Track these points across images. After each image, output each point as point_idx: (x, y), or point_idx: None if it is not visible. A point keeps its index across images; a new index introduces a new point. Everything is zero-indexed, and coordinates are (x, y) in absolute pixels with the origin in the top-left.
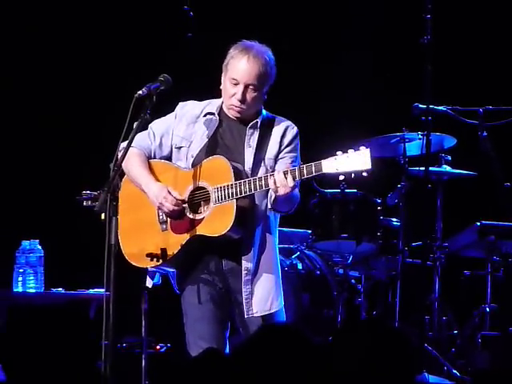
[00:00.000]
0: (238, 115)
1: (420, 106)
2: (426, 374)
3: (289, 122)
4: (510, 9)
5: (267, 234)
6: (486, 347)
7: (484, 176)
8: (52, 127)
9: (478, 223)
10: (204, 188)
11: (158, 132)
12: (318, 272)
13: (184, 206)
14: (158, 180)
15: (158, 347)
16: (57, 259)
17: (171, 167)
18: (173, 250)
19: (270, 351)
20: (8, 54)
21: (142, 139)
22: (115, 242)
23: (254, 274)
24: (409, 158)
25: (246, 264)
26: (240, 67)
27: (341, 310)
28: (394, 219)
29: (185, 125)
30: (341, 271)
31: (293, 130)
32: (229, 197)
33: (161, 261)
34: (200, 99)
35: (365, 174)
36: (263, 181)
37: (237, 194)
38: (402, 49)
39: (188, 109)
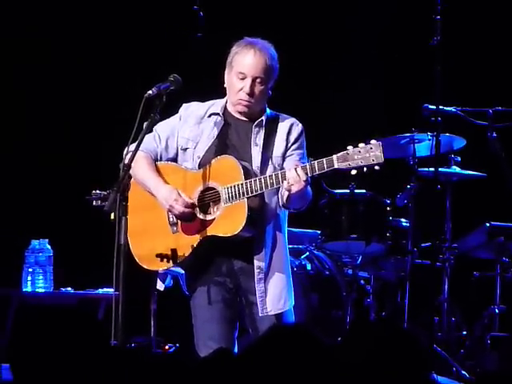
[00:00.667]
0: (246, 110)
1: (430, 106)
2: (435, 375)
3: (293, 119)
4: None
5: (278, 233)
6: (495, 348)
7: (493, 177)
8: (62, 127)
9: (488, 224)
10: (214, 188)
11: (163, 134)
12: (327, 272)
13: (195, 208)
14: (166, 182)
15: (166, 347)
16: (66, 259)
17: (179, 169)
18: (184, 252)
19: (279, 352)
20: (21, 55)
21: (147, 142)
22: (125, 241)
23: (267, 272)
24: (418, 158)
25: (259, 263)
26: (247, 61)
27: (350, 310)
28: (404, 220)
29: (190, 126)
30: (350, 272)
31: (298, 127)
32: (240, 196)
33: (172, 263)
34: (210, 99)
35: (377, 167)
36: (274, 179)
37: (247, 193)
38: (411, 50)
39: (192, 110)
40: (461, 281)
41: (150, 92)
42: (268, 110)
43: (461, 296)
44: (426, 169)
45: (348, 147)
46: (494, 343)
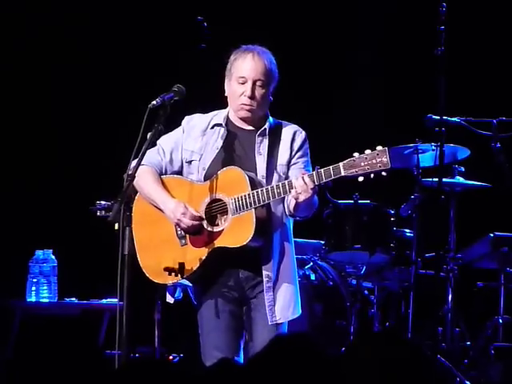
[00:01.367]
0: (249, 114)
1: (433, 117)
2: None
3: (296, 127)
4: None
5: (285, 241)
6: (498, 359)
7: (497, 187)
8: (66, 137)
9: (492, 234)
10: (221, 200)
11: (167, 148)
12: (331, 283)
13: (203, 221)
14: (172, 196)
15: (170, 357)
16: (70, 269)
17: (184, 182)
18: (192, 265)
19: (282, 362)
20: (26, 68)
21: (151, 156)
22: (128, 251)
23: (275, 281)
24: (422, 169)
25: (267, 272)
26: (246, 65)
27: (353, 320)
28: (408, 230)
29: (193, 138)
30: (354, 282)
31: (301, 135)
32: (247, 207)
33: (180, 276)
34: (214, 109)
35: (384, 173)
36: (281, 188)
37: (255, 204)
38: (415, 60)
39: (195, 122)
40: (465, 291)
41: (154, 102)
42: (271, 118)
43: (465, 306)
44: (430, 179)
45: (354, 154)
46: (497, 354)
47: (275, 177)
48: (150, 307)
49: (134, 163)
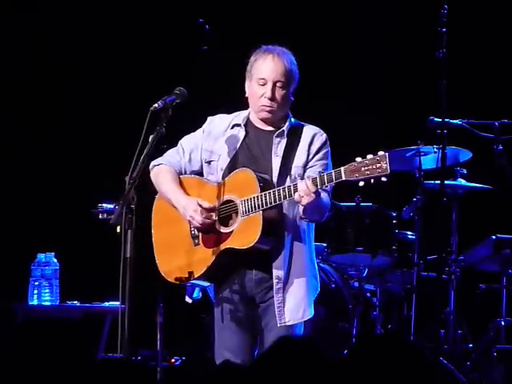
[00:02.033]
0: (270, 116)
1: (435, 119)
2: None
3: (317, 129)
4: None
5: (298, 243)
6: (501, 361)
7: (499, 189)
8: (68, 140)
9: (494, 237)
10: (232, 201)
11: (187, 148)
12: (333, 285)
13: (214, 219)
14: (188, 195)
15: (172, 360)
16: (72, 272)
17: (200, 182)
18: (203, 265)
19: (284, 365)
20: (27, 71)
21: (171, 155)
22: (131, 254)
23: (286, 282)
24: (424, 171)
25: (277, 272)
26: (266, 66)
27: (356, 323)
28: (410, 233)
29: (213, 139)
30: (356, 284)
31: (321, 137)
32: (255, 208)
33: (192, 276)
34: (215, 112)
35: (384, 179)
36: (286, 191)
37: (262, 206)
38: (417, 62)
39: (216, 123)
40: (467, 293)
41: (156, 105)
42: (292, 119)
43: (467, 309)
44: (432, 181)
45: (356, 159)
46: (500, 356)
47: (288, 179)
48: (152, 310)
49: (153, 166)
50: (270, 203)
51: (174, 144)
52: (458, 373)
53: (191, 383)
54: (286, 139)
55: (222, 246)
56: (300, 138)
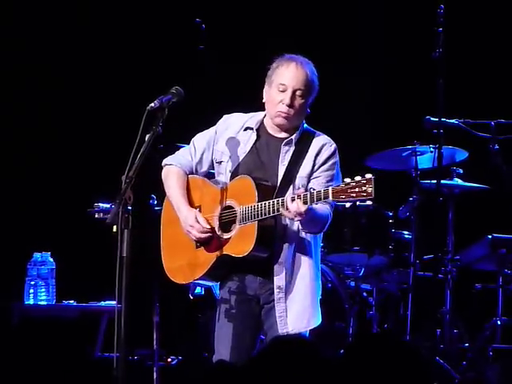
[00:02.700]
0: (285, 122)
1: (432, 118)
2: None
3: (327, 140)
4: None
5: (301, 253)
6: (497, 360)
7: (495, 189)
8: (64, 139)
9: (490, 236)
10: (232, 207)
11: (199, 147)
12: (330, 285)
13: (214, 226)
14: (191, 198)
15: (169, 360)
16: (68, 271)
17: (207, 184)
18: (203, 268)
19: (280, 364)
20: (25, 70)
21: (183, 155)
22: (127, 254)
23: (288, 292)
24: (420, 170)
25: (278, 282)
26: (288, 73)
27: (352, 322)
28: (406, 232)
29: (225, 139)
30: (352, 284)
31: (330, 148)
32: (251, 218)
33: (192, 277)
34: (214, 111)
35: (369, 202)
36: (275, 205)
37: (258, 216)
38: (413, 62)
39: (230, 122)
40: (463, 293)
41: (152, 104)
42: (305, 125)
43: (463, 308)
44: (428, 181)
45: (345, 179)
46: (496, 355)
47: (290, 189)
48: (149, 309)
49: (165, 166)
50: (265, 214)
51: (170, 143)
52: (454, 372)
53: (187, 383)
54: (293, 148)
55: (221, 252)
56: (308, 147)
